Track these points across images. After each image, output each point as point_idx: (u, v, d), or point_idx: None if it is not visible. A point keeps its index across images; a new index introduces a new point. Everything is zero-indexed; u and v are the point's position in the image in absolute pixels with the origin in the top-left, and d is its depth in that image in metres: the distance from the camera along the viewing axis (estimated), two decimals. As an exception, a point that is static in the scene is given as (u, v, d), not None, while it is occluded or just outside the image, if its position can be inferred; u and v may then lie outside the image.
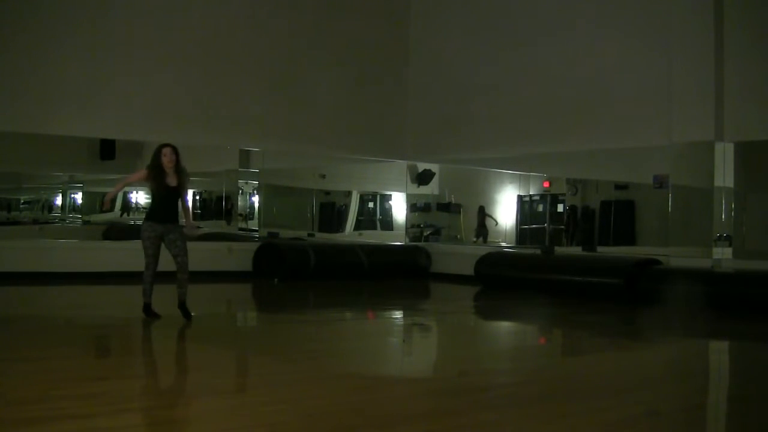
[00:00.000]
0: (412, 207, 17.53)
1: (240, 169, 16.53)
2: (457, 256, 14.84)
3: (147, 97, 12.72)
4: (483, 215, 17.52)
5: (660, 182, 12.04)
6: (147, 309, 8.01)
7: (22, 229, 17.43)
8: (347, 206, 18.77)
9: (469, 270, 13.36)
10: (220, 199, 18.02)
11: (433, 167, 16.87)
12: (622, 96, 12.18)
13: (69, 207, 19.13)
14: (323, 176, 18.05)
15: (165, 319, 7.95)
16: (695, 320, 9.63)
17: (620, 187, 15.34)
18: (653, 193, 12.65)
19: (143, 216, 8.84)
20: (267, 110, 13.97)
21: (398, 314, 10.54)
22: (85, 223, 18.13)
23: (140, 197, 18.62)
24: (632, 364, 6.90)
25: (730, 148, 11.45)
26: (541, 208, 17.26)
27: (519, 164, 15.94)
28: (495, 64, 14.02)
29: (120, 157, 15.35)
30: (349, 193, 18.80)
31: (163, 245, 7.97)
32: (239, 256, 13.81)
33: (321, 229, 18.13)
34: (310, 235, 17.20)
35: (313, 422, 4.39)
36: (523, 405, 5.03)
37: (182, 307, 8.02)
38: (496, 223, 17.53)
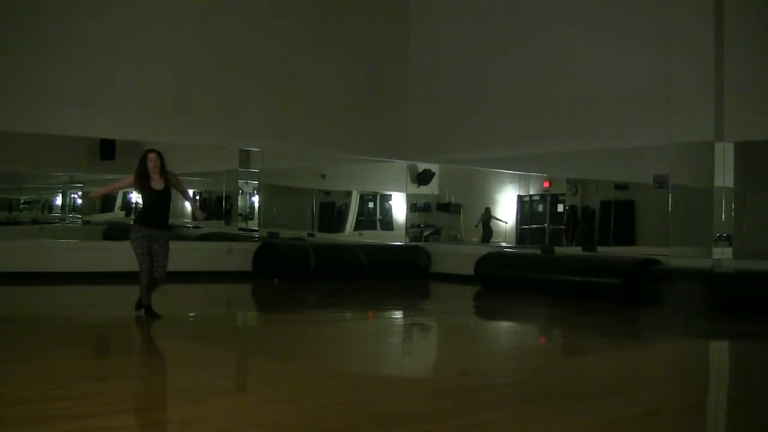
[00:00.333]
0: (412, 207, 17.54)
1: (240, 169, 16.52)
2: (457, 256, 14.84)
3: (147, 97, 12.72)
4: (489, 216, 17.48)
5: (660, 182, 12.04)
6: (148, 310, 8.03)
7: (22, 229, 17.41)
8: (347, 206, 18.76)
9: (469, 270, 13.36)
10: (220, 199, 18.02)
11: (433, 167, 16.87)
12: (622, 96, 12.18)
13: (69, 207, 19.11)
14: (323, 176, 18.04)
15: (165, 319, 7.95)
16: (695, 320, 9.63)
17: (620, 187, 15.34)
18: (653, 193, 12.65)
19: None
20: (267, 110, 13.97)
21: (398, 314, 10.54)
22: (85, 223, 18.11)
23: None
24: (632, 364, 6.90)
25: (730, 148, 11.45)
26: (541, 208, 17.26)
27: (519, 164, 15.94)
28: (495, 64, 14.03)
29: (120, 157, 15.33)
30: (349, 193, 18.80)
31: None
32: (239, 256, 13.81)
33: (321, 229, 18.11)
34: (310, 235, 17.19)
35: (313, 422, 4.39)
36: (523, 405, 5.03)
37: (148, 310, 8.07)
38: (506, 223, 17.48)
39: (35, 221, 18.33)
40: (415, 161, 16.43)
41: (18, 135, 12.70)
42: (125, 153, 15.32)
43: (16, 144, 13.94)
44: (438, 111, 14.98)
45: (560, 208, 16.75)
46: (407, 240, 16.53)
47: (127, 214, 18.27)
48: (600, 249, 14.02)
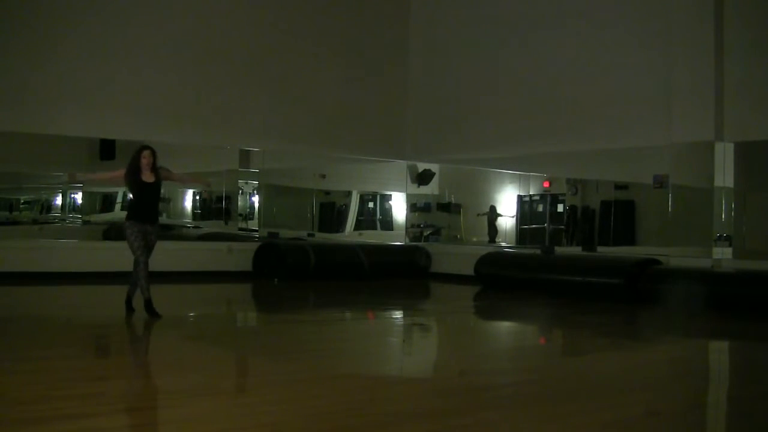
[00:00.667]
0: (412, 207, 17.53)
1: (240, 169, 16.51)
2: (457, 256, 14.85)
3: (147, 97, 12.72)
4: (495, 215, 17.45)
5: (660, 182, 12.04)
6: (148, 305, 8.06)
7: (22, 229, 17.40)
8: (347, 206, 18.76)
9: (469, 270, 13.36)
10: (220, 199, 18.02)
11: (433, 167, 16.87)
12: (622, 96, 12.18)
13: (69, 207, 19.11)
14: (323, 176, 18.04)
15: (165, 319, 7.95)
16: (695, 320, 9.63)
17: (620, 187, 15.34)
18: (653, 193, 12.65)
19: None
20: (267, 110, 13.98)
21: (398, 314, 10.54)
22: (85, 223, 18.10)
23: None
24: (632, 364, 6.90)
25: (730, 148, 11.45)
26: (541, 208, 17.25)
27: (519, 164, 15.94)
28: (495, 64, 14.03)
29: (120, 157, 15.32)
30: (349, 193, 18.80)
31: None
32: (239, 256, 13.81)
33: (321, 229, 18.12)
34: (310, 235, 17.19)
35: (314, 422, 4.38)
36: (523, 405, 5.03)
37: (128, 302, 8.28)
38: (513, 216, 17.43)
39: (35, 221, 18.32)
40: (415, 161, 16.42)
41: (18, 135, 12.70)
42: (125, 153, 15.27)
43: (16, 144, 13.93)
44: (438, 111, 14.98)
45: (560, 208, 16.74)
46: (407, 240, 16.53)
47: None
48: (600, 249, 14.03)
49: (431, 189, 17.55)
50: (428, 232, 17.55)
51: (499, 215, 17.47)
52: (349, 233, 18.26)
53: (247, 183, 17.67)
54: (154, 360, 6.65)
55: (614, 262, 11.87)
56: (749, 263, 10.87)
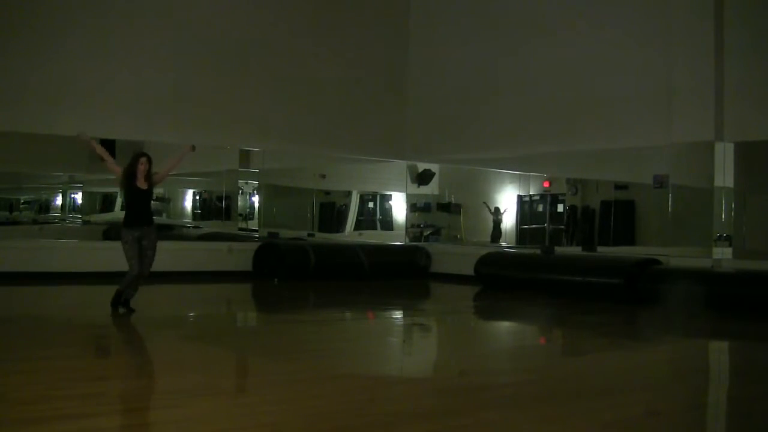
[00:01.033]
0: (412, 207, 17.53)
1: (240, 169, 16.52)
2: (457, 256, 14.84)
3: (147, 97, 12.72)
4: (499, 216, 17.43)
5: (660, 182, 12.04)
6: (126, 302, 8.31)
7: (22, 229, 17.41)
8: (347, 206, 18.77)
9: (469, 270, 13.36)
10: (220, 198, 18.02)
11: (433, 167, 16.87)
12: (622, 96, 12.17)
13: (69, 207, 19.12)
14: (323, 176, 18.04)
15: (165, 319, 7.96)
16: (695, 320, 9.63)
17: (620, 187, 15.35)
18: (653, 193, 12.66)
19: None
20: (267, 110, 13.97)
21: (398, 314, 10.54)
22: (85, 223, 18.11)
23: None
24: (632, 364, 6.90)
25: (730, 148, 11.45)
26: (541, 208, 17.26)
27: (519, 164, 15.95)
28: (495, 64, 14.02)
29: (120, 157, 15.28)
30: (349, 193, 18.80)
31: None
32: (239, 256, 13.81)
33: (321, 229, 18.13)
34: (310, 235, 17.19)
35: (314, 422, 4.38)
36: (523, 405, 5.03)
37: (126, 303, 8.40)
38: (504, 210, 17.41)
39: (35, 221, 18.33)
40: (415, 161, 16.43)
41: (18, 135, 12.70)
42: (125, 153, 15.28)
43: (16, 144, 13.93)
44: (438, 111, 14.98)
45: (560, 208, 16.76)
46: (407, 240, 16.53)
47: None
48: (600, 249, 14.04)
49: (431, 189, 17.55)
50: (428, 232, 17.56)
51: (502, 214, 17.45)
52: (349, 233, 18.27)
53: (247, 183, 17.69)
54: (154, 360, 6.65)
55: (614, 262, 11.87)
56: (749, 263, 10.86)
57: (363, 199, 19.03)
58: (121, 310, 8.32)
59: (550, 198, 16.98)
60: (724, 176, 11.46)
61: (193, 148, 8.89)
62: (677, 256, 11.43)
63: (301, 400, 4.91)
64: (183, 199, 19.22)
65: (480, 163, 15.72)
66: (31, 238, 15.70)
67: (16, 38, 11.79)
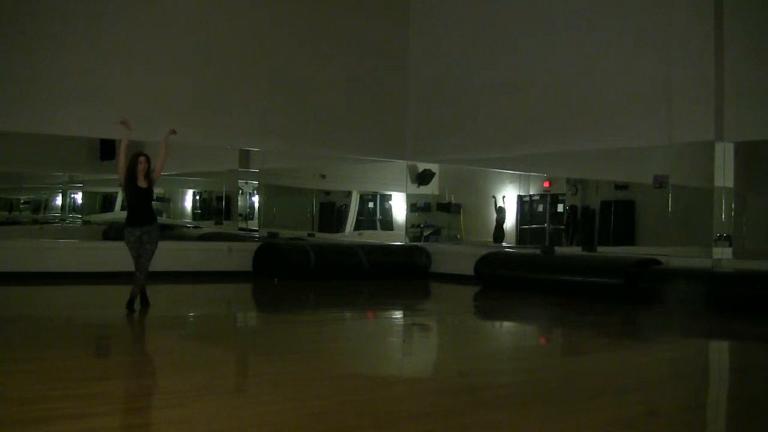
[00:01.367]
0: (412, 207, 17.53)
1: (240, 169, 16.51)
2: (457, 256, 14.84)
3: (147, 97, 12.71)
4: (503, 216, 17.40)
5: (660, 182, 12.04)
6: (131, 301, 8.43)
7: (22, 229, 17.40)
8: (347, 206, 18.77)
9: (469, 270, 13.36)
10: (220, 199, 18.01)
11: (433, 167, 16.87)
12: (622, 96, 12.18)
13: (69, 207, 19.11)
14: (323, 176, 18.05)
15: (165, 319, 7.96)
16: (695, 320, 9.63)
17: (620, 187, 15.34)
18: (653, 193, 12.65)
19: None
20: (267, 110, 13.97)
21: (398, 314, 10.54)
22: (85, 223, 18.11)
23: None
24: (632, 364, 6.90)
25: (730, 148, 11.45)
26: (541, 208, 17.25)
27: (519, 164, 15.94)
28: (495, 64, 14.03)
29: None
30: (349, 193, 18.80)
31: None
32: (239, 256, 13.81)
33: (321, 229, 18.12)
34: (310, 235, 17.19)
35: (314, 422, 4.39)
36: (523, 405, 5.03)
37: (130, 303, 8.47)
38: (503, 198, 17.40)
39: (35, 221, 18.33)
40: (415, 161, 16.42)
41: (18, 135, 12.70)
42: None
43: (16, 144, 13.94)
44: (438, 111, 14.98)
45: (560, 208, 16.75)
46: (407, 240, 16.52)
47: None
48: (600, 249, 14.03)
49: (431, 189, 17.54)
50: (428, 232, 17.55)
51: (504, 206, 17.42)
52: (349, 233, 18.26)
53: (247, 183, 17.67)
54: (154, 360, 6.65)
55: (614, 262, 11.87)
56: (749, 263, 10.86)
57: (363, 199, 19.03)
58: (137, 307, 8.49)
59: (550, 198, 16.97)
60: (724, 176, 11.46)
61: (174, 131, 9.03)
62: (677, 256, 11.43)
63: (301, 400, 4.92)
64: (183, 199, 19.21)
65: (480, 163, 15.72)
66: (31, 238, 15.69)
67: (17, 38, 11.79)
